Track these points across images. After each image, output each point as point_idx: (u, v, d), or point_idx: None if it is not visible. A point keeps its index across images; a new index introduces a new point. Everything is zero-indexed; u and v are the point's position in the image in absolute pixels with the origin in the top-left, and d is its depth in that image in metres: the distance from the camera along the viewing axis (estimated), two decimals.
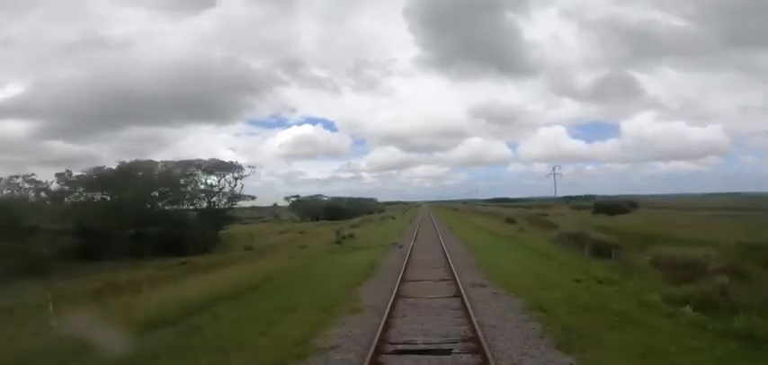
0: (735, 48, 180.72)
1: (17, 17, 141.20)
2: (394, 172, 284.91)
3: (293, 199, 63.99)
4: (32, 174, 28.26)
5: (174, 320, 7.05)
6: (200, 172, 32.97)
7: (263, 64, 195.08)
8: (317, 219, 58.49)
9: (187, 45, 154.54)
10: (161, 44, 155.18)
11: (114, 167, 28.95)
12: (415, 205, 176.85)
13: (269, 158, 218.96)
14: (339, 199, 68.74)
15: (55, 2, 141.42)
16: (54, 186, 28.52)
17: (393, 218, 54.30)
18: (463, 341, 5.88)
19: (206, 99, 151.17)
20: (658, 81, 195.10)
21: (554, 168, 63.10)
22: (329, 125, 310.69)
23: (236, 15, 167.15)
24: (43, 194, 28.15)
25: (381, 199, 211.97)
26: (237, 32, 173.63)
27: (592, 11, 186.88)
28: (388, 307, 7.53)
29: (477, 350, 5.43)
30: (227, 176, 35.65)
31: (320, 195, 67.00)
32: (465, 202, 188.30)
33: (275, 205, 61.92)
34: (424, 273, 11.91)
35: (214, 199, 33.91)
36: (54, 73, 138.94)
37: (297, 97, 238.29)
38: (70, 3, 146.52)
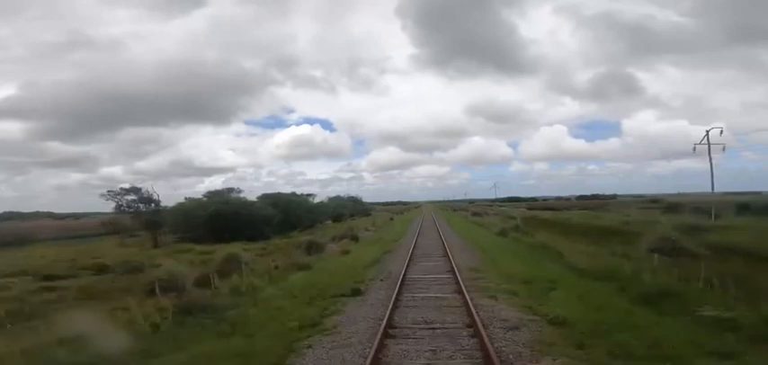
0: (735, 44, 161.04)
1: (12, 18, 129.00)
2: (395, 172, 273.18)
3: (127, 198, 27.88)
4: None
5: None
6: None
7: (257, 63, 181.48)
8: (198, 241, 24.74)
9: (181, 45, 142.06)
10: (155, 45, 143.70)
11: None
12: (415, 206, 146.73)
13: (270, 159, 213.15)
14: (272, 197, 35.23)
15: (50, 3, 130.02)
16: None
17: (343, 256, 20.53)
18: None
19: (202, 100, 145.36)
20: (659, 79, 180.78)
21: (708, 133, 28.12)
22: (328, 125, 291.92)
23: (227, 15, 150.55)
24: None
25: (384, 199, 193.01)
26: (230, 32, 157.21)
27: (587, 6, 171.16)
28: None
29: None
30: None
31: (228, 190, 33.49)
32: (472, 202, 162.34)
33: (119, 209, 28.63)
34: None
35: None
36: (50, 74, 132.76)
37: (293, 97, 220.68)
38: (64, 4, 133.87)
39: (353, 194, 78.51)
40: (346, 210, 63.68)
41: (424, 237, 22.75)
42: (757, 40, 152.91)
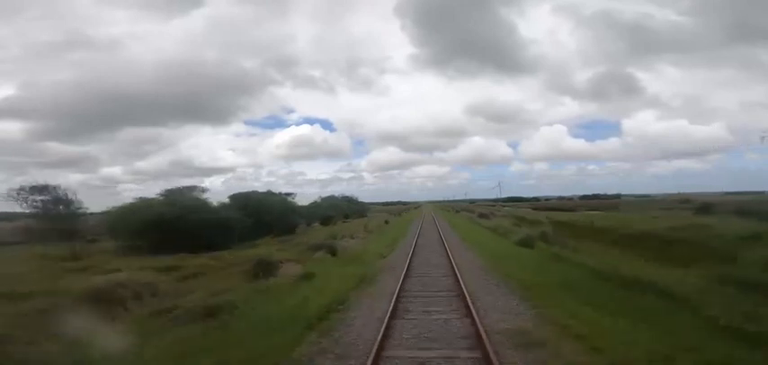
0: (734, 43, 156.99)
1: (11, 18, 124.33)
2: (395, 172, 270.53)
3: (35, 198, 19.96)
4: None
5: None
6: None
7: (256, 63, 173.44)
8: (143, 252, 18.68)
9: (180, 45, 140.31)
10: (153, 45, 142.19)
11: None
12: (415, 206, 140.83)
13: (270, 159, 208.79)
14: (242, 197, 29.05)
15: (49, 3, 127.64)
16: None
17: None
18: None
19: (202, 100, 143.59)
20: (658, 78, 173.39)
21: None
22: (328, 125, 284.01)
23: (225, 15, 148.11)
24: None
25: (384, 199, 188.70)
26: (228, 32, 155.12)
27: (585, 6, 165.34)
28: None
29: None
30: None
31: (191, 188, 26.97)
32: (472, 202, 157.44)
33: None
34: None
35: None
36: (49, 74, 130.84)
37: (292, 97, 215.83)
38: (64, 4, 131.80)
39: (349, 194, 72.56)
40: (340, 211, 57.72)
41: (423, 249, 16.85)
42: (756, 40, 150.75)
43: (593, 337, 5.29)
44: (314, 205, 59.07)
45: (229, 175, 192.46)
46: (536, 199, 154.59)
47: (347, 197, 68.35)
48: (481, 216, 38.81)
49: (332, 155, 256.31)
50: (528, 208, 72.74)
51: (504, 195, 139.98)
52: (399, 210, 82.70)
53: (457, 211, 65.70)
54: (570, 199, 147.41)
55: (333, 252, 17.07)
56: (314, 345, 5.66)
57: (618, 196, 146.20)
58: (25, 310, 7.92)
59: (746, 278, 8.99)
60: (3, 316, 7.33)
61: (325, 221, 39.22)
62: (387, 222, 37.76)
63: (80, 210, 21.69)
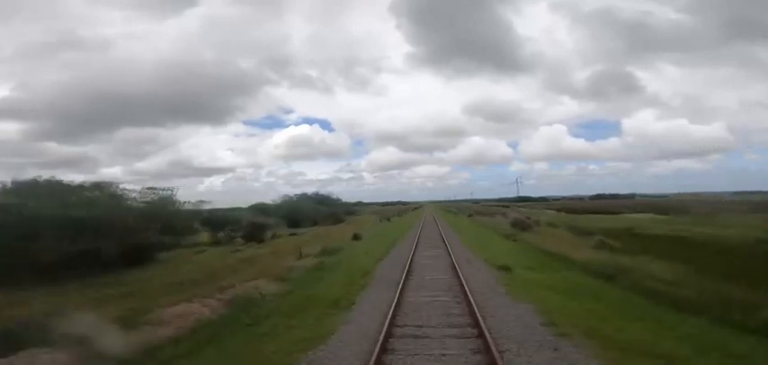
0: (733, 41, 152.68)
1: (7, 18, 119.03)
2: (395, 172, 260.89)
3: None
4: None
5: None
6: None
7: (252, 63, 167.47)
8: None
9: (175, 45, 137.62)
10: (149, 45, 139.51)
11: None
12: (414, 207, 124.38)
13: (269, 159, 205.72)
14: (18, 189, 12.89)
15: (46, 3, 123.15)
16: None
17: None
18: None
19: (200, 100, 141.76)
20: (658, 77, 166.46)
21: None
22: (326, 125, 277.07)
23: (219, 14, 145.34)
24: None
25: (384, 199, 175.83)
26: (223, 32, 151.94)
27: (584, 3, 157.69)
28: None
29: None
30: None
31: None
32: (476, 202, 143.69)
33: None
34: None
35: None
36: (46, 74, 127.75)
37: (289, 97, 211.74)
38: (60, 4, 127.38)
39: (326, 192, 55.96)
40: (306, 215, 41.29)
41: None
42: (755, 37, 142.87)
43: None
44: (275, 206, 43.60)
45: (229, 175, 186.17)
46: (544, 199, 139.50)
47: (322, 196, 51.59)
48: (519, 225, 22.04)
49: (331, 155, 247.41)
50: (547, 209, 56.87)
51: (506, 195, 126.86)
52: (394, 213, 65.91)
53: (469, 215, 48.91)
54: (581, 199, 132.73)
55: None
56: None
57: (632, 196, 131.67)
58: None
59: None
60: None
61: (251, 236, 22.58)
62: (355, 237, 21.13)
63: None
